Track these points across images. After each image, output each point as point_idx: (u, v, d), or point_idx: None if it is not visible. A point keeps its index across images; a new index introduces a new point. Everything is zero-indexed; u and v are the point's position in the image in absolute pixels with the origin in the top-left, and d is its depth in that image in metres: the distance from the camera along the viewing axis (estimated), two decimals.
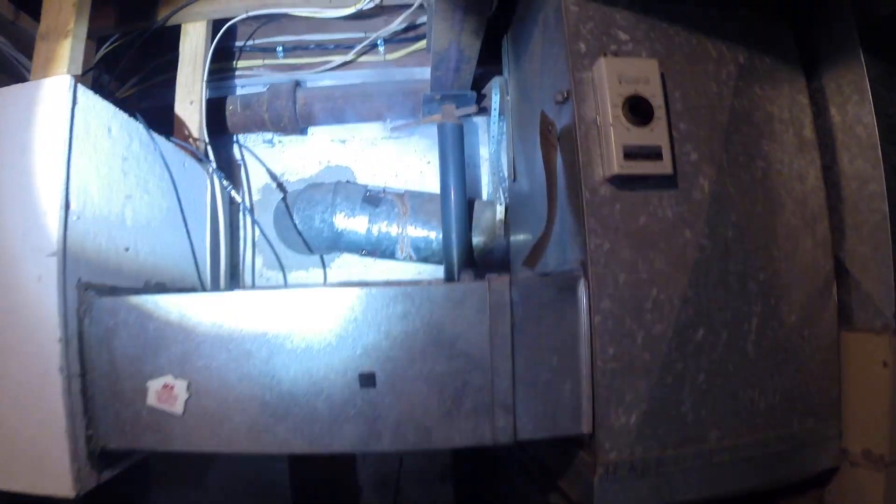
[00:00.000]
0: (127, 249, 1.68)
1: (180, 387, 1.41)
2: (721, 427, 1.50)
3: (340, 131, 2.68)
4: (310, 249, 2.49)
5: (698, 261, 1.52)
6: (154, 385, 1.41)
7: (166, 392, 1.41)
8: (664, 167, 1.50)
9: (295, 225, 2.41)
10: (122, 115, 1.70)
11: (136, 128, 1.77)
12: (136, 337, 1.43)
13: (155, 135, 1.83)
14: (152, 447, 1.43)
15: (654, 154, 1.49)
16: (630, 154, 1.47)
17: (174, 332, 1.41)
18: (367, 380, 1.39)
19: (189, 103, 2.17)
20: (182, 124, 2.14)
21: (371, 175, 2.66)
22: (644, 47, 1.60)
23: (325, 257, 2.63)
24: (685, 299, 1.50)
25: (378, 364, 1.40)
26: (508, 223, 2.34)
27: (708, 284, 1.52)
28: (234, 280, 2.60)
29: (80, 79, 1.51)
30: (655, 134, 1.50)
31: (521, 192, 2.02)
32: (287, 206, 2.45)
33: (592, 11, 1.59)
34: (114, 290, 1.57)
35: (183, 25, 2.26)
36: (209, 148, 2.19)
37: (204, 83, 2.21)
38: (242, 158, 2.67)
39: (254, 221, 2.10)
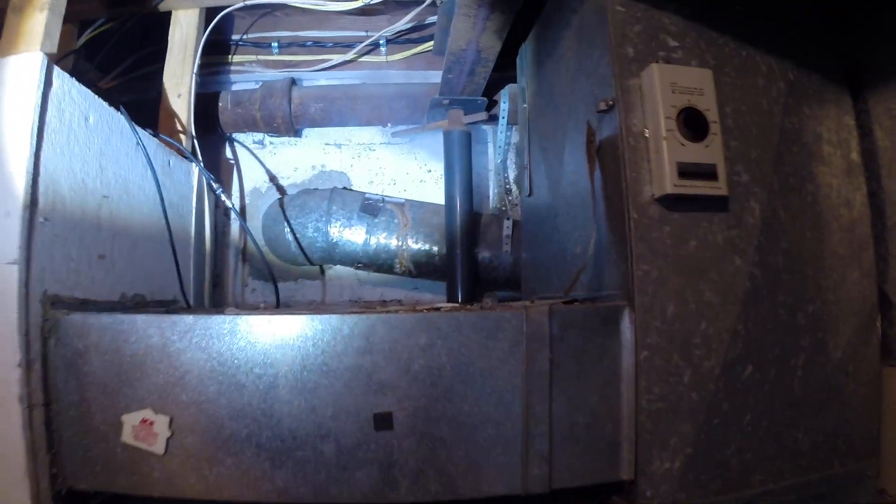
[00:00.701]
0: (102, 257, 1.40)
1: (161, 423, 1.14)
2: (764, 470, 1.33)
3: (335, 134, 2.43)
4: (301, 260, 2.22)
5: (748, 291, 1.34)
6: (130, 420, 1.15)
7: (145, 428, 1.14)
8: (719, 188, 1.31)
9: (288, 233, 2.14)
10: (102, 105, 1.43)
11: (118, 120, 1.49)
12: (110, 363, 1.16)
13: (138, 129, 1.55)
14: (127, 491, 1.17)
15: (709, 173, 1.30)
16: (685, 172, 1.27)
17: (155, 358, 1.15)
18: (384, 421, 1.14)
19: (177, 96, 1.90)
20: (168, 119, 1.86)
21: (367, 182, 2.41)
22: (694, 56, 1.41)
23: (328, 270, 2.37)
24: (734, 333, 1.31)
25: (396, 403, 1.15)
26: (516, 239, 2.11)
27: (758, 317, 1.34)
28: (218, 290, 2.32)
29: (55, 59, 1.23)
30: (710, 151, 1.31)
31: (540, 207, 1.80)
32: (278, 213, 2.18)
33: (640, 13, 1.38)
34: (85, 305, 1.30)
35: (174, 12, 1.99)
36: (197, 146, 1.91)
37: (194, 75, 1.93)
38: (232, 159, 2.39)
39: (245, 229, 1.84)
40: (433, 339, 1.16)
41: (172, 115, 1.87)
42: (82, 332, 1.16)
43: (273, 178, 2.41)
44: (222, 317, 1.16)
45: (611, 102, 1.35)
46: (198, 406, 1.14)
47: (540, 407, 1.20)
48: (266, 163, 2.41)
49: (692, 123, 1.30)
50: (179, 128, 1.86)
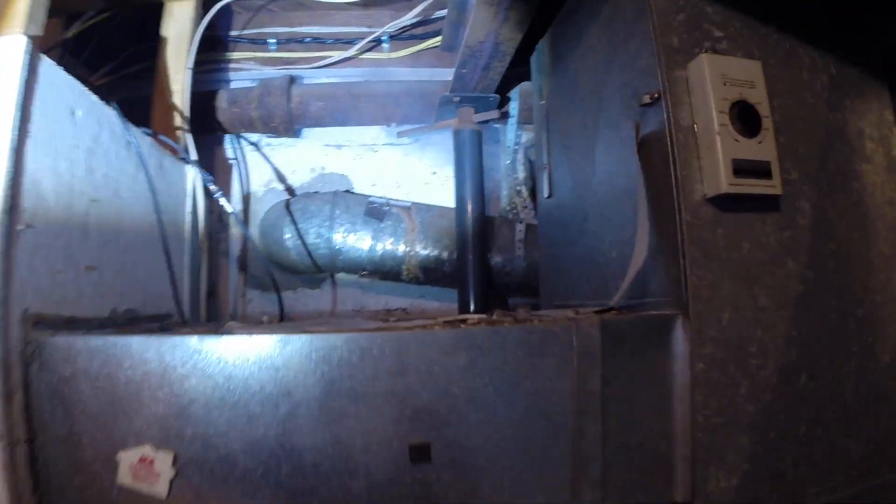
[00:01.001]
0: (90, 269, 1.22)
1: (163, 461, 0.97)
2: (818, 482, 1.22)
3: (336, 135, 2.26)
4: (303, 268, 2.04)
5: (801, 295, 1.23)
6: (128, 457, 0.97)
7: (144, 467, 0.97)
8: (773, 186, 1.20)
9: (288, 239, 1.97)
10: (91, 98, 1.25)
11: (108, 116, 1.32)
12: (102, 391, 0.98)
13: (131, 126, 1.37)
14: None
15: (763, 171, 1.19)
16: (740, 170, 1.14)
17: (154, 385, 0.98)
18: (421, 452, 0.98)
19: (171, 93, 1.71)
20: (162, 118, 1.68)
21: (370, 185, 2.24)
22: (739, 47, 1.29)
23: (317, 278, 2.19)
24: (788, 340, 1.20)
25: (434, 431, 0.99)
26: (530, 242, 1.96)
27: (810, 322, 1.23)
28: (213, 301, 2.13)
29: (40, 44, 1.06)
30: (764, 147, 1.20)
31: (562, 209, 1.65)
32: (278, 218, 2.00)
33: (682, 1, 1.25)
34: (72, 324, 1.12)
35: (167, 4, 1.80)
36: (192, 146, 1.73)
37: (189, 71, 1.75)
38: (229, 161, 2.21)
39: (248, 237, 1.66)
40: (474, 358, 1.00)
41: (166, 113, 1.69)
42: (69, 356, 0.98)
43: (270, 182, 2.22)
44: (229, 337, 0.99)
45: (656, 95, 1.21)
46: (205, 440, 0.96)
47: (592, 429, 1.06)
48: (263, 165, 2.23)
49: (745, 118, 1.18)
50: (174, 127, 1.68)
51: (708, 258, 1.15)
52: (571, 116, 1.59)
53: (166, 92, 1.71)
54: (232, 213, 1.57)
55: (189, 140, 1.72)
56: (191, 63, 1.75)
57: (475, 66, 1.72)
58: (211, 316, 2.11)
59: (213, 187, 1.55)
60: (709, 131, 1.16)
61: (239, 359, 0.97)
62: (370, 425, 0.98)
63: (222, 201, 1.56)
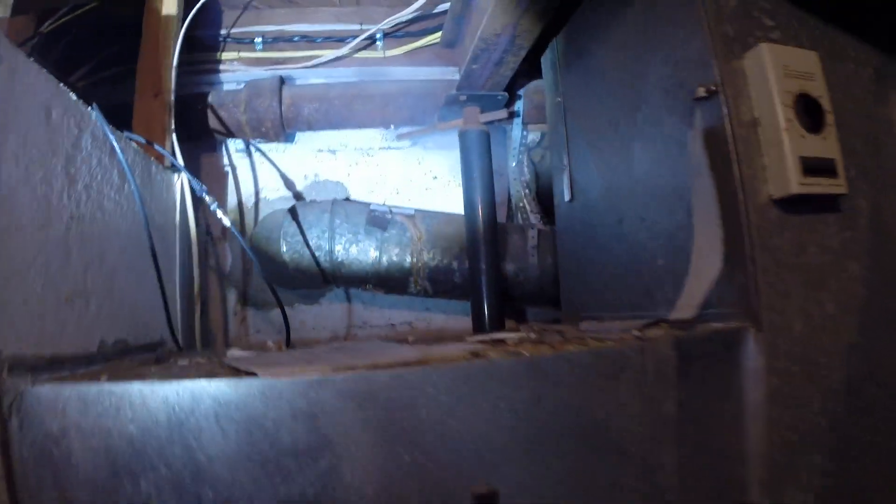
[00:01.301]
0: (73, 297, 1.02)
1: None
2: (885, 496, 1.12)
3: (329, 140, 2.07)
4: (302, 282, 1.85)
5: (864, 300, 1.12)
6: None
7: None
8: (840, 185, 1.09)
9: (286, 252, 1.77)
10: (69, 96, 1.06)
11: (88, 119, 1.12)
12: (98, 450, 0.79)
13: (113, 130, 1.17)
14: None
15: (828, 169, 1.07)
16: (808, 169, 1.02)
17: (163, 441, 0.79)
18: (487, 501, 0.82)
19: (153, 96, 1.51)
20: (144, 123, 1.48)
21: (368, 192, 2.06)
22: (790, 37, 1.18)
23: (314, 294, 2.00)
24: (853, 348, 1.09)
25: (499, 476, 0.83)
26: (543, 249, 1.81)
27: (873, 328, 1.12)
28: (203, 321, 1.92)
29: (10, 28, 0.86)
30: (828, 143, 1.10)
31: (589, 213, 1.50)
32: (274, 229, 1.81)
33: None
34: (55, 365, 0.92)
35: (147, 2, 1.59)
36: (179, 153, 1.53)
37: (174, 70, 1.55)
38: (231, 166, 2.00)
39: (247, 250, 1.46)
40: (541, 389, 0.85)
41: (150, 116, 1.48)
42: (57, 408, 0.79)
43: (260, 191, 2.02)
44: (250, 380, 0.81)
45: (713, 88, 1.07)
46: None
47: (667, 458, 0.93)
48: (252, 173, 2.03)
49: (809, 112, 1.06)
50: (159, 131, 1.48)
51: (777, 264, 1.03)
52: (598, 113, 1.44)
53: (148, 93, 1.50)
54: (231, 226, 1.37)
55: (174, 146, 1.52)
56: (175, 62, 1.54)
57: (487, 62, 1.57)
58: (202, 339, 1.90)
59: (207, 197, 1.35)
60: (773, 127, 1.03)
61: (265, 405, 0.79)
62: (427, 474, 0.81)
63: (219, 213, 1.36)
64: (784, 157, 1.01)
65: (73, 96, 1.07)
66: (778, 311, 1.01)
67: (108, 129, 1.14)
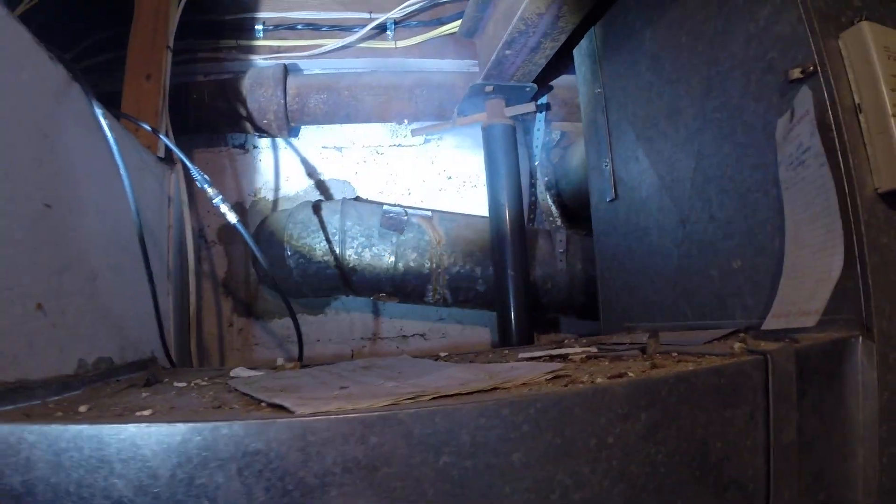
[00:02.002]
0: (42, 306, 0.80)
1: None
2: None
3: (335, 136, 1.85)
4: (306, 292, 1.62)
5: None
6: None
7: None
8: None
9: (290, 258, 1.55)
10: (44, 58, 0.83)
11: (69, 88, 0.89)
12: None
13: (102, 110, 0.95)
14: None
15: None
16: None
17: (162, 500, 0.57)
18: None
19: (145, 78, 1.28)
20: (134, 108, 1.24)
21: (377, 193, 1.84)
22: (875, 18, 0.99)
23: (319, 303, 1.77)
24: None
25: None
26: (572, 254, 1.62)
27: None
28: (197, 331, 1.68)
29: None
30: None
31: (638, 213, 1.30)
32: (276, 232, 1.58)
33: None
34: (21, 392, 0.70)
35: None
36: (173, 143, 1.30)
37: (169, 48, 1.32)
38: (227, 164, 1.77)
39: (255, 250, 1.22)
40: (659, 418, 0.64)
41: (140, 101, 1.25)
42: (18, 456, 0.56)
43: (260, 191, 1.79)
44: (285, 422, 0.59)
45: (811, 68, 0.89)
46: None
47: (787, 492, 0.72)
48: (252, 171, 1.80)
49: None
50: (149, 118, 1.25)
51: (885, 265, 0.85)
52: (651, 102, 1.25)
53: (140, 75, 1.27)
54: (237, 222, 1.15)
55: (169, 135, 1.29)
56: (170, 41, 1.32)
57: (523, 47, 1.37)
58: (200, 353, 1.67)
59: (210, 189, 1.13)
60: (879, 113, 0.86)
61: (304, 456, 0.57)
62: None
63: (223, 207, 1.14)
64: (892, 146, 0.84)
65: (50, 58, 0.84)
66: (887, 318, 0.83)
67: (96, 105, 0.92)
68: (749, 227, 1.02)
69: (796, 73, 0.92)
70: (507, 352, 1.18)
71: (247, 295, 1.74)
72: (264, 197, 1.79)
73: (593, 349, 1.00)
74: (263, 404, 0.68)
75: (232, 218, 1.16)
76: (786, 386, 0.73)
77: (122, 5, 1.40)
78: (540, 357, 0.99)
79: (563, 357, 0.96)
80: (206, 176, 1.15)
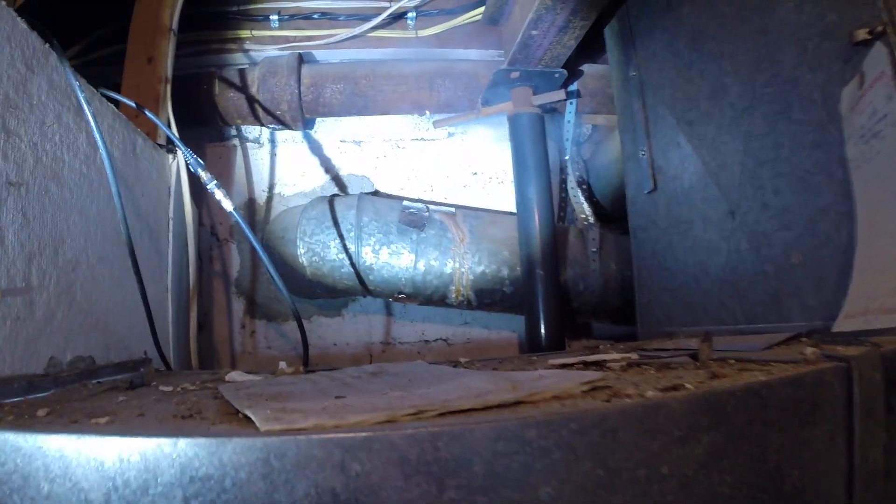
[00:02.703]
0: (7, 296, 0.69)
1: None
2: None
3: (354, 129, 1.74)
4: (320, 293, 1.50)
5: None
6: None
7: None
8: None
9: (303, 255, 1.43)
10: (16, 22, 0.73)
11: (46, 59, 0.79)
12: None
13: (81, 82, 0.85)
14: None
15: None
16: None
17: None
18: None
19: (146, 61, 1.18)
20: (135, 91, 1.15)
21: (398, 189, 1.73)
22: None
23: (335, 304, 1.65)
24: None
25: None
26: (605, 254, 1.47)
27: None
28: (205, 335, 1.57)
29: None
30: None
31: (681, 205, 1.15)
32: (288, 229, 1.47)
33: None
34: None
35: None
36: (174, 127, 1.20)
37: (173, 32, 1.22)
38: (239, 158, 1.68)
39: (258, 248, 1.10)
40: (724, 442, 0.51)
41: (140, 84, 1.16)
42: None
43: (274, 186, 1.69)
44: (239, 441, 0.45)
45: (880, 28, 0.74)
46: None
47: None
48: (266, 166, 1.71)
49: None
50: (149, 102, 1.14)
51: None
52: (693, 83, 1.11)
53: (141, 58, 1.17)
54: (233, 211, 1.03)
55: (170, 120, 1.19)
56: (174, 22, 1.22)
57: (550, 26, 1.23)
58: (203, 354, 1.56)
59: (204, 174, 1.02)
60: None
61: (268, 482, 0.44)
62: None
63: (218, 194, 1.03)
64: None
65: (23, 24, 0.74)
66: None
67: (72, 76, 0.81)
68: (809, 215, 0.88)
69: (862, 34, 0.78)
70: (535, 358, 1.04)
71: (259, 296, 1.63)
72: (279, 192, 1.69)
73: (634, 355, 0.85)
74: (240, 415, 0.56)
75: (228, 205, 1.04)
76: (872, 398, 0.59)
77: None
78: (573, 364, 0.85)
79: (600, 364, 0.81)
80: (199, 159, 1.03)
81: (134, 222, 1.02)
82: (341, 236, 1.42)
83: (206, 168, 1.07)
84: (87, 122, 0.84)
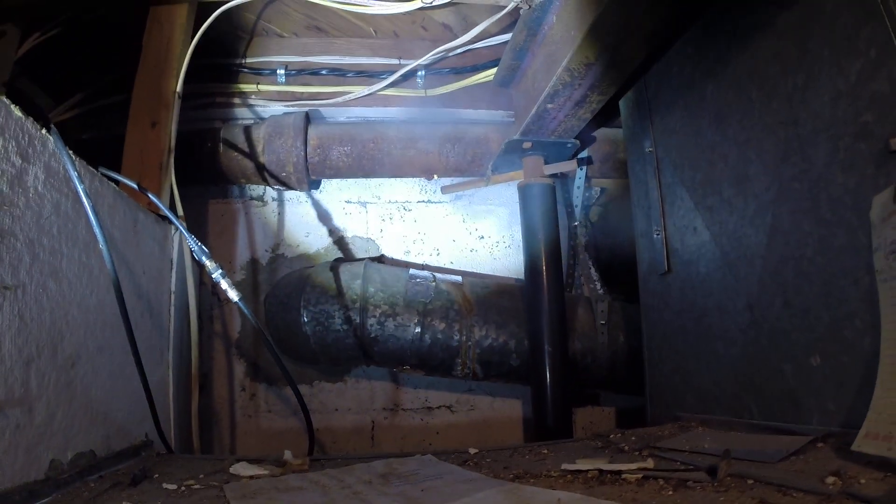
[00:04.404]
0: (4, 408, 0.67)
1: None
2: None
3: (359, 190, 1.74)
4: (323, 360, 1.48)
5: None
6: None
7: None
8: None
9: (306, 325, 1.41)
10: (8, 109, 0.72)
11: (42, 144, 0.78)
12: None
13: (81, 165, 0.83)
14: None
15: None
16: None
17: None
18: None
19: (150, 126, 1.17)
20: (137, 159, 1.14)
21: (403, 252, 1.72)
22: None
23: (338, 370, 1.62)
24: None
25: None
26: (613, 325, 1.45)
27: None
28: (205, 397, 1.54)
29: None
30: None
31: (696, 289, 1.13)
32: (291, 296, 1.45)
33: None
34: None
35: (152, 10, 1.27)
36: (178, 199, 1.19)
37: (177, 96, 1.21)
38: (242, 217, 1.67)
39: (257, 324, 1.09)
40: None
41: (143, 151, 1.15)
42: None
43: (279, 246, 1.67)
44: None
45: None
46: None
47: None
48: (269, 225, 1.69)
49: None
50: (152, 170, 1.13)
51: None
52: (714, 166, 1.09)
53: (144, 122, 1.17)
54: (238, 301, 1.01)
55: (173, 191, 1.18)
56: (179, 85, 1.22)
57: (566, 100, 1.23)
58: (203, 416, 1.52)
59: (209, 263, 1.00)
60: None
61: None
62: None
63: (223, 284, 1.00)
64: None
65: (19, 112, 0.73)
66: None
67: (70, 162, 0.80)
68: (833, 318, 0.85)
69: None
70: (545, 451, 1.01)
71: (260, 359, 1.60)
72: (282, 254, 1.67)
73: (649, 462, 0.83)
74: None
75: (233, 296, 1.03)
76: None
77: (136, 45, 1.31)
78: (587, 471, 0.83)
79: (617, 475, 0.79)
80: (204, 248, 1.02)
81: (135, 304, 1.01)
82: (346, 307, 1.40)
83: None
84: (85, 209, 0.82)
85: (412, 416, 1.64)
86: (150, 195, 1.02)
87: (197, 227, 1.61)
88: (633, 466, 0.82)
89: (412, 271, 1.49)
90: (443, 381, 1.63)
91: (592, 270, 1.69)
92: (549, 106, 1.26)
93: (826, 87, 0.88)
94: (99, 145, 1.39)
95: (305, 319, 1.40)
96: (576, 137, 1.47)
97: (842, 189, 0.85)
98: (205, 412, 1.58)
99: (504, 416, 1.65)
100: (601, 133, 1.62)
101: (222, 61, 1.60)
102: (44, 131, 0.79)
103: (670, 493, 0.70)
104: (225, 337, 1.62)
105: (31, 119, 0.77)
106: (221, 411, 1.61)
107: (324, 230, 1.71)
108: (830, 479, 0.66)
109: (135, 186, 0.98)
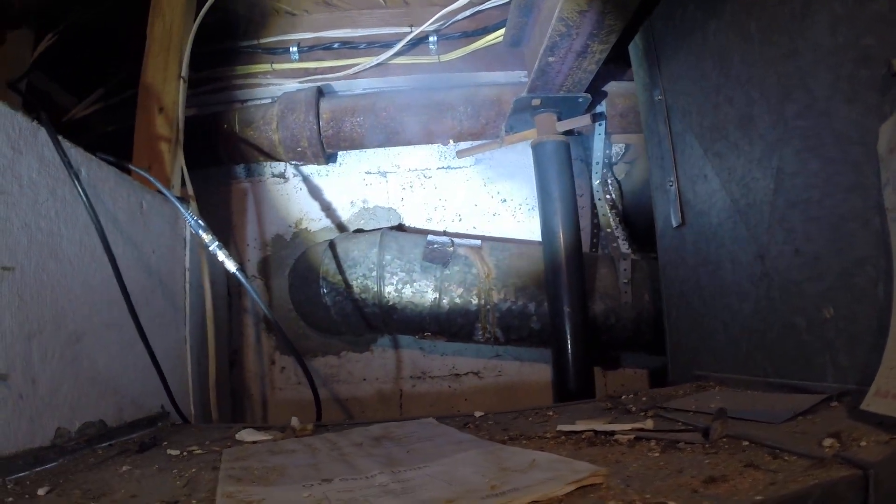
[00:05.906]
0: (6, 378, 0.72)
1: None
2: None
3: (379, 160, 1.75)
4: (345, 330, 1.52)
5: None
6: None
7: None
8: None
9: (326, 295, 1.44)
10: None
11: (34, 135, 0.82)
12: None
13: (75, 151, 0.88)
14: None
15: None
16: None
17: None
18: None
19: (157, 111, 1.22)
20: (145, 144, 1.19)
21: (425, 220, 1.72)
22: None
23: (364, 339, 1.66)
24: None
25: None
26: (637, 284, 1.40)
27: None
28: (237, 371, 1.62)
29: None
30: None
31: (709, 241, 1.09)
32: (311, 268, 1.49)
33: None
34: None
35: (153, 0, 1.30)
36: (188, 178, 1.23)
37: (182, 80, 1.25)
38: (263, 194, 1.73)
39: (257, 300, 1.14)
40: None
41: (151, 136, 1.19)
42: None
43: (300, 221, 1.71)
44: None
45: None
46: None
47: None
48: (291, 201, 1.73)
49: None
50: (162, 154, 1.18)
51: None
52: (720, 110, 1.04)
53: (152, 108, 1.21)
54: (236, 271, 1.06)
55: (185, 171, 1.22)
56: (183, 70, 1.25)
57: (567, 52, 1.19)
58: (236, 390, 1.59)
59: (206, 236, 1.04)
60: None
61: None
62: None
63: (220, 255, 1.05)
64: None
65: (7, 107, 0.77)
66: None
67: (59, 150, 0.84)
68: (843, 266, 0.80)
69: None
70: (550, 413, 1.00)
71: (288, 332, 1.66)
72: (305, 228, 1.71)
73: (648, 423, 0.80)
74: None
75: (231, 266, 1.06)
76: None
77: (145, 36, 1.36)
78: (581, 432, 0.81)
79: (609, 435, 0.77)
80: (201, 222, 1.06)
81: (145, 281, 1.06)
82: (363, 276, 1.42)
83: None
84: (81, 192, 0.87)
85: (440, 384, 1.66)
86: (145, 174, 1.06)
87: (216, 208, 1.67)
88: (628, 427, 0.79)
89: (430, 237, 1.50)
90: (470, 347, 1.64)
91: (618, 230, 1.64)
92: (551, 59, 1.22)
93: (824, 12, 0.81)
94: (124, 136, 1.45)
95: (325, 291, 1.44)
96: (590, 92, 1.41)
97: (846, 122, 0.79)
98: (238, 386, 1.65)
99: (532, 381, 1.65)
100: (618, 87, 1.56)
101: (237, 44, 1.64)
102: (35, 123, 0.84)
103: (657, 454, 0.68)
104: (254, 313, 1.68)
105: (21, 113, 0.81)
106: (253, 385, 1.67)
107: (345, 202, 1.73)
108: (828, 442, 0.62)
109: (136, 169, 1.03)
